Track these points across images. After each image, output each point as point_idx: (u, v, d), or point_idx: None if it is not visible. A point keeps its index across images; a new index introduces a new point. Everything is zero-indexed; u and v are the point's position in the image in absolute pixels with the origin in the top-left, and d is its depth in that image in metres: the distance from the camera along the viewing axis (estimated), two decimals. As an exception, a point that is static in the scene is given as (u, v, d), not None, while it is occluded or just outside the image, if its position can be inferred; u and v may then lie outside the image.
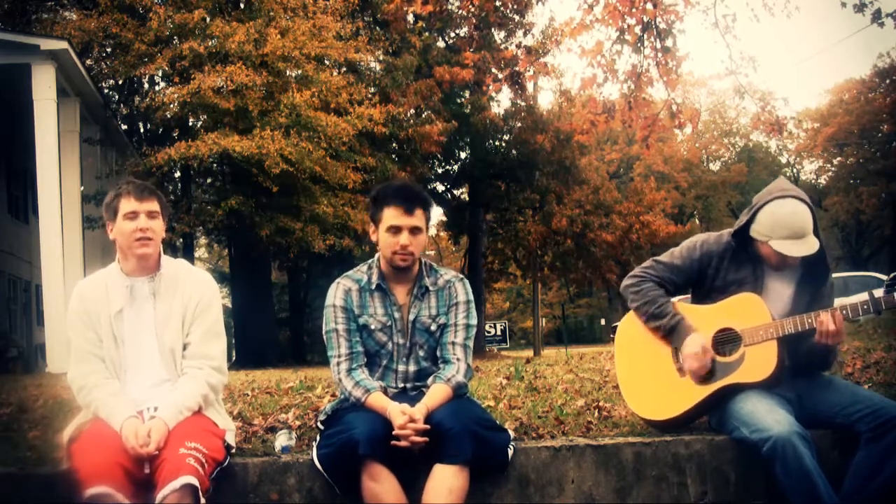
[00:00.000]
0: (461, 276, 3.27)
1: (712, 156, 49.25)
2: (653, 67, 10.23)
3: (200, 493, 2.61)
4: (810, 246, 3.08)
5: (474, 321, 3.20)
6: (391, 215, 3.06)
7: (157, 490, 2.58)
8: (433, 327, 3.15)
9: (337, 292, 3.16)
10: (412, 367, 3.15)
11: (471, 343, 3.18)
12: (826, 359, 3.24)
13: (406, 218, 3.05)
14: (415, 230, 3.06)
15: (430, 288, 3.18)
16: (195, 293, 3.00)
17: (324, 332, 3.16)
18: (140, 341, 2.96)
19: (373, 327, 3.13)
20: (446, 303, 3.18)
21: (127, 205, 2.92)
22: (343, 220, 17.50)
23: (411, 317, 3.14)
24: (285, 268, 27.16)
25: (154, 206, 2.95)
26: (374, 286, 3.15)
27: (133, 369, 2.95)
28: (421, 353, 3.15)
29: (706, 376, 3.20)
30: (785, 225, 3.08)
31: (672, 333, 3.26)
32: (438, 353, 3.16)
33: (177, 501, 2.55)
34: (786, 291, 3.26)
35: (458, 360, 3.11)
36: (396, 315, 3.14)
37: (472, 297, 3.23)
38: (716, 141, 47.99)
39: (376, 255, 3.21)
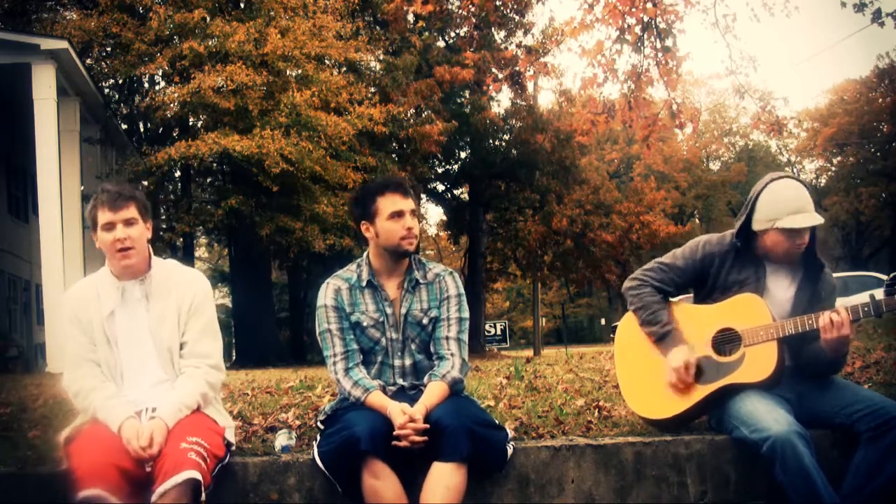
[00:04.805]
0: (450, 269, 3.28)
1: (712, 156, 49.26)
2: (653, 67, 10.23)
3: (202, 488, 2.61)
4: (816, 218, 3.10)
5: (466, 314, 3.20)
6: (391, 202, 3.08)
7: (156, 484, 2.56)
8: (425, 321, 3.15)
9: (327, 292, 3.17)
10: (408, 361, 3.15)
11: (464, 336, 3.18)
12: (834, 362, 3.20)
13: (406, 201, 3.08)
14: (414, 213, 3.11)
15: (421, 281, 3.18)
16: (188, 292, 2.99)
17: (317, 332, 3.17)
18: (135, 343, 2.95)
19: (365, 324, 3.13)
20: (437, 297, 3.18)
21: (103, 216, 2.87)
22: (343, 219, 17.49)
23: (403, 311, 3.15)
24: (285, 268, 27.16)
25: (130, 212, 2.88)
26: (364, 283, 3.16)
27: (130, 371, 2.94)
28: (414, 347, 3.16)
29: (707, 376, 3.20)
30: (788, 200, 3.10)
31: (661, 342, 3.27)
32: (432, 349, 3.16)
33: (177, 496, 2.54)
34: (787, 292, 3.26)
35: (452, 354, 3.11)
36: (388, 310, 3.14)
37: (462, 290, 3.23)
38: (716, 141, 47.99)
39: (365, 254, 3.22)
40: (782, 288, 3.26)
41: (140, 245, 2.92)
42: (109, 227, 2.87)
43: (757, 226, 3.19)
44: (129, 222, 2.88)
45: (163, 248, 18.63)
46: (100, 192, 2.93)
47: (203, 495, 2.62)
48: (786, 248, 3.16)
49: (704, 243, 3.36)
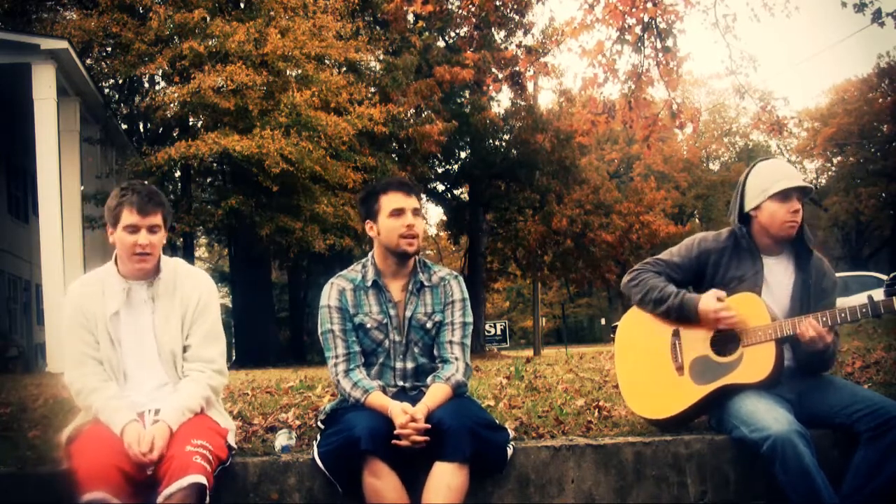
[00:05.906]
0: (455, 273, 3.27)
1: (712, 156, 49.24)
2: (653, 67, 10.24)
3: (207, 492, 2.60)
4: (803, 180, 3.19)
5: (470, 319, 3.20)
6: (392, 200, 3.08)
7: (161, 486, 2.56)
8: (429, 325, 3.15)
9: (331, 293, 3.16)
10: (409, 364, 3.15)
11: (468, 341, 3.18)
12: (823, 360, 3.22)
13: (407, 199, 3.09)
14: (416, 212, 3.10)
15: (426, 284, 3.18)
16: (193, 295, 2.97)
17: (319, 332, 3.16)
18: (138, 344, 2.93)
19: (368, 326, 3.12)
20: (442, 301, 3.18)
21: (129, 216, 2.83)
22: (343, 219, 17.50)
23: (407, 314, 3.14)
24: (285, 267, 27.15)
25: (157, 219, 2.86)
26: (369, 283, 3.15)
27: (133, 372, 2.93)
28: (417, 350, 3.15)
29: (705, 376, 3.20)
30: (777, 171, 3.21)
31: (682, 309, 3.22)
32: (436, 352, 3.16)
33: (182, 498, 2.53)
34: (786, 286, 3.26)
35: (456, 359, 3.11)
36: (392, 312, 3.14)
37: (467, 294, 3.23)
38: (716, 141, 47.98)
39: (370, 254, 3.22)
40: (781, 281, 3.27)
41: (157, 251, 2.92)
42: (133, 229, 2.84)
43: (750, 205, 3.23)
44: (153, 229, 2.86)
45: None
46: (128, 191, 2.86)
47: (207, 498, 2.61)
48: (782, 219, 3.17)
49: (700, 240, 3.36)
